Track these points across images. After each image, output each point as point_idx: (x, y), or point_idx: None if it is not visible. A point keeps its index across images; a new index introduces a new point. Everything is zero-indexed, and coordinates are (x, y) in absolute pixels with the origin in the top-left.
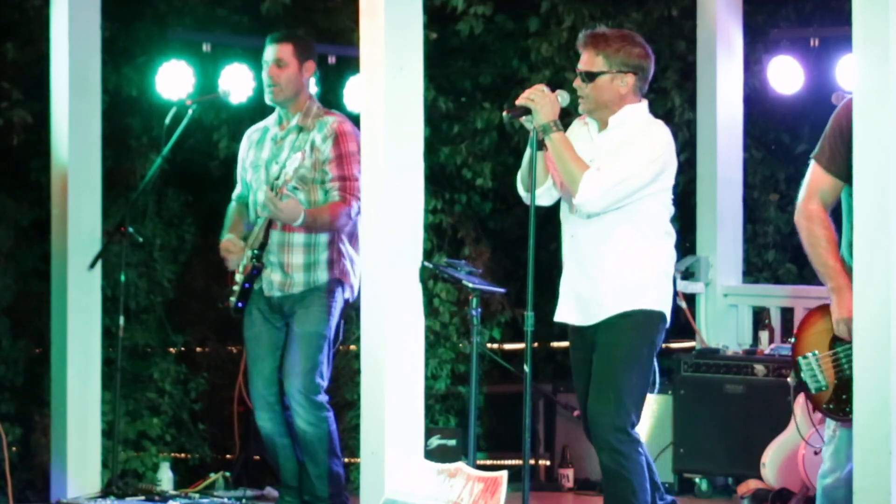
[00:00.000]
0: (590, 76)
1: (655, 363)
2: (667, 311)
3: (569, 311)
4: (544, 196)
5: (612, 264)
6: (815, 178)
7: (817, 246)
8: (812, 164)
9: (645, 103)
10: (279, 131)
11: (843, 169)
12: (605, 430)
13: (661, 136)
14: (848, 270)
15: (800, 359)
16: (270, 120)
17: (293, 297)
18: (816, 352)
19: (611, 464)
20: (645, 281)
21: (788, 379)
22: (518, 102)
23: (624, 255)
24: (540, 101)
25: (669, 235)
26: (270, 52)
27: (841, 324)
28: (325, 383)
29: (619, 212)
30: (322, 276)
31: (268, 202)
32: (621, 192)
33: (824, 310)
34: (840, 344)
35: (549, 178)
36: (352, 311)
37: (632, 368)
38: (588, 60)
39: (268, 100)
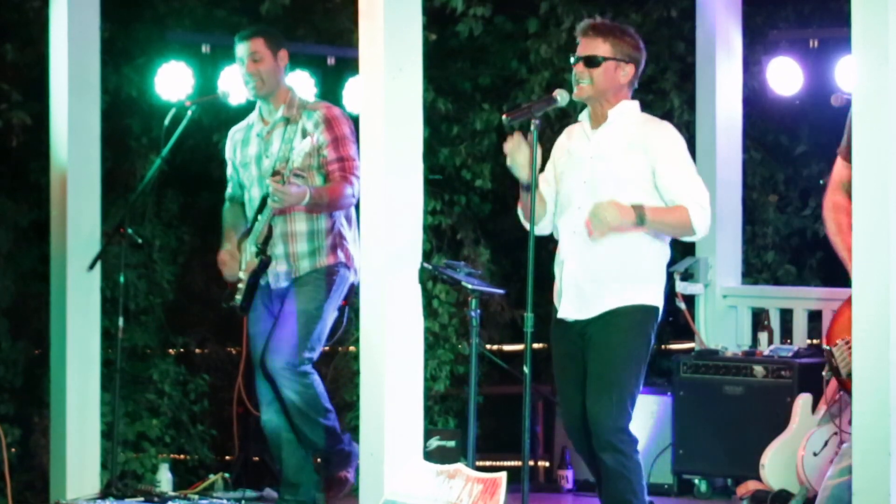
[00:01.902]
0: (595, 61)
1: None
2: (661, 305)
3: (570, 306)
4: (546, 228)
5: (614, 259)
6: (837, 171)
7: (840, 233)
8: (837, 158)
9: (637, 102)
10: (263, 126)
11: None
12: (607, 431)
13: (678, 134)
14: None
15: (832, 348)
16: (252, 118)
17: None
18: (847, 338)
19: (613, 464)
20: (644, 277)
21: (823, 373)
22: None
23: (625, 251)
24: (610, 216)
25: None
26: (243, 48)
27: None
28: (314, 356)
29: None
30: (326, 259)
31: (275, 192)
32: (708, 199)
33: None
34: None
35: (547, 213)
36: (352, 313)
37: (630, 368)
38: (592, 46)
39: (250, 95)
